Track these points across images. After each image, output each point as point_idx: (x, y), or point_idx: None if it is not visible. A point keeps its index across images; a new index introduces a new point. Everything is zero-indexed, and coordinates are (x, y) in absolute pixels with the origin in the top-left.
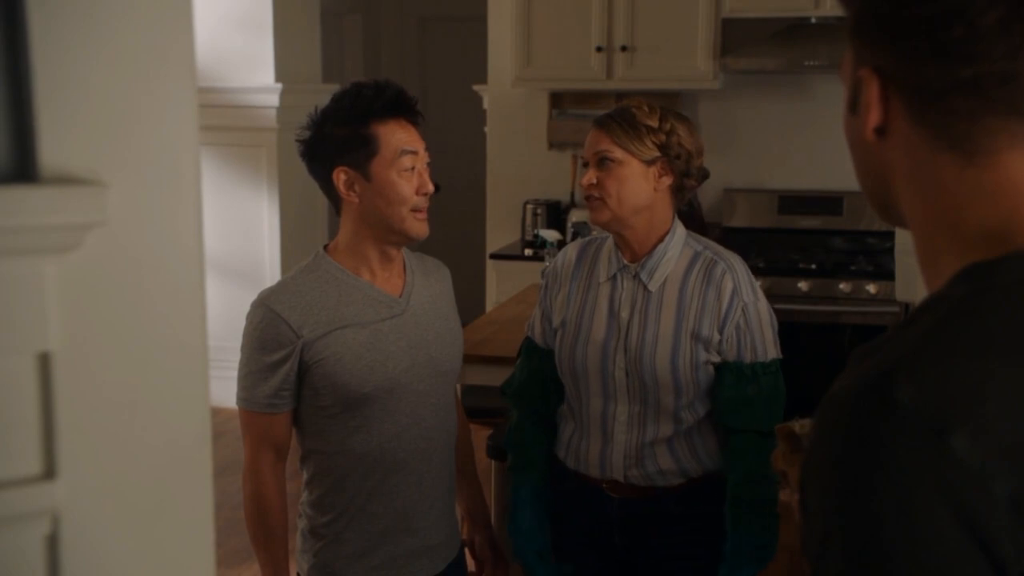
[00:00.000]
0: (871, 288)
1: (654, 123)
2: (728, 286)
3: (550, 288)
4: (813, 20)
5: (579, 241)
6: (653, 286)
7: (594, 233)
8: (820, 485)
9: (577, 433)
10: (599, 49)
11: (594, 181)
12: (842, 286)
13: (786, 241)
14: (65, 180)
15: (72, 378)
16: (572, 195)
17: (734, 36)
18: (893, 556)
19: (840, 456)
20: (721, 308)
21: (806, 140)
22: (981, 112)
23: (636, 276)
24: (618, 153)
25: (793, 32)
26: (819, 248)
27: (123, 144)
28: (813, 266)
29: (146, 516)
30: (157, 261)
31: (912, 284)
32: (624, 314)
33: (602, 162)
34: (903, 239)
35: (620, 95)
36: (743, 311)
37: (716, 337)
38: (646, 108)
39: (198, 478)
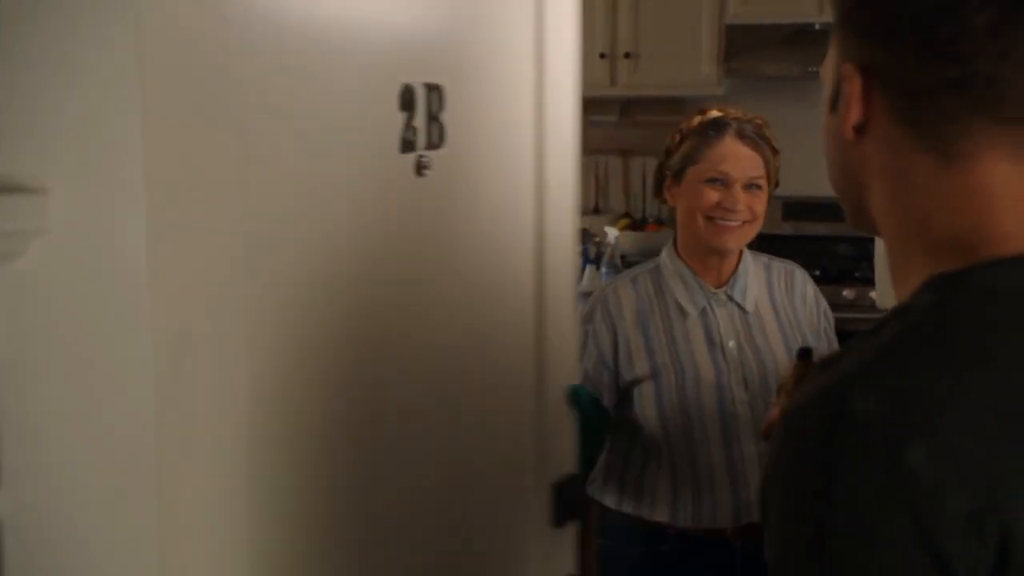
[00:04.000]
0: (875, 295)
1: (777, 146)
2: (810, 292)
3: (606, 333)
4: (817, 26)
5: (625, 277)
6: (749, 306)
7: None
8: (778, 495)
9: (687, 490)
10: (602, 56)
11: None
12: (846, 292)
13: (790, 247)
14: (8, 187)
15: (15, 388)
16: (596, 202)
17: (738, 42)
18: (847, 570)
19: (797, 467)
20: (812, 316)
21: (810, 146)
22: (964, 114)
23: (730, 299)
24: (764, 179)
25: (797, 38)
26: (824, 254)
27: (67, 152)
28: (817, 272)
29: (92, 526)
30: (101, 269)
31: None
32: (731, 344)
33: (751, 187)
34: (881, 245)
35: (626, 101)
36: (826, 315)
37: (818, 346)
38: (767, 127)
39: (144, 488)
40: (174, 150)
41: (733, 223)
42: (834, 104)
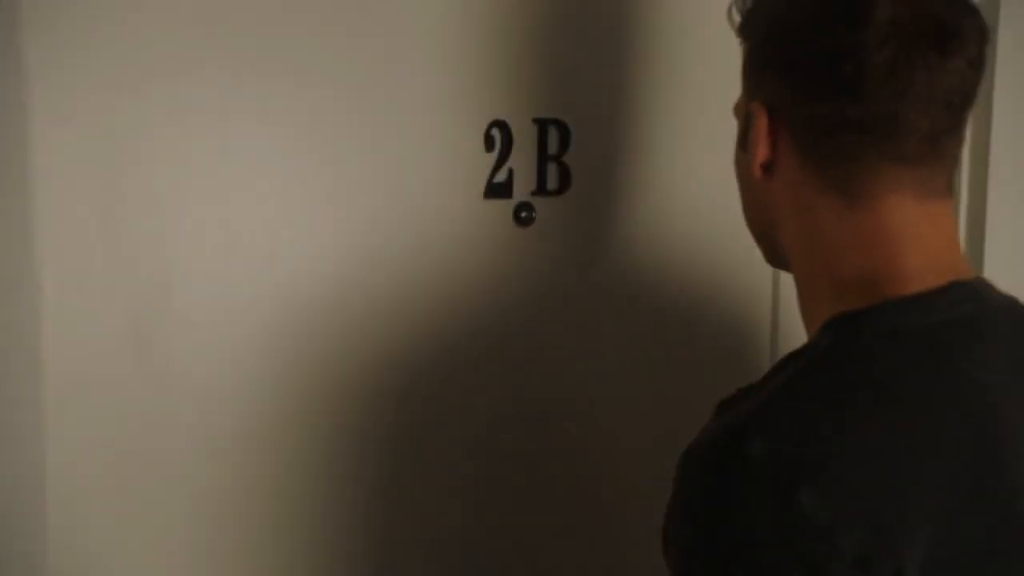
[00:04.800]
0: None
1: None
2: None
3: None
4: None
5: None
6: None
7: None
8: (676, 532)
9: None
10: None
11: None
12: None
13: None
14: None
15: None
16: None
17: None
18: None
19: (693, 509)
20: None
21: None
22: (867, 153)
23: None
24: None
25: None
26: None
27: None
28: None
29: None
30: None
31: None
32: None
33: None
34: None
35: None
36: None
37: None
38: None
39: (33, 529)
40: None
41: None
42: (743, 142)
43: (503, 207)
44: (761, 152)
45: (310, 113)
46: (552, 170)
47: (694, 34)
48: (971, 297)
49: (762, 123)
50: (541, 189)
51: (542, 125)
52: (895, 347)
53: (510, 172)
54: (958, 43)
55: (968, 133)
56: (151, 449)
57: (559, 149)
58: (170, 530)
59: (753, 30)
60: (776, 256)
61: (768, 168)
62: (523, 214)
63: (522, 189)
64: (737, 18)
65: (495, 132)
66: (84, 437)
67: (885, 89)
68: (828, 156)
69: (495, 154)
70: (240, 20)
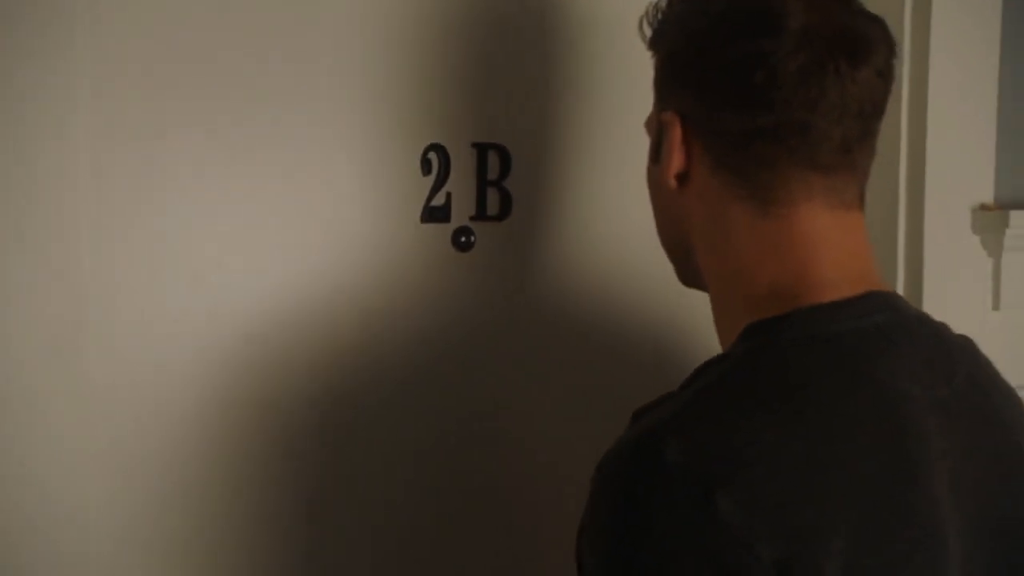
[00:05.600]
0: None
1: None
2: None
3: None
4: None
5: None
6: None
7: None
8: (591, 547)
9: None
10: None
11: None
12: None
13: None
14: None
15: None
16: None
17: None
18: None
19: (609, 518)
20: None
21: None
22: (780, 161)
23: None
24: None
25: None
26: None
27: None
28: None
29: None
30: None
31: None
32: None
33: None
34: None
35: None
36: None
37: None
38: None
39: None
40: None
41: None
42: (656, 154)
43: (441, 231)
44: (676, 161)
45: (244, 134)
46: (492, 195)
47: (635, 60)
48: (886, 306)
49: (676, 132)
50: (481, 214)
51: (481, 149)
52: (810, 353)
53: (448, 196)
54: (868, 52)
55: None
56: (71, 461)
57: (500, 174)
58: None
59: (663, 43)
60: (688, 272)
61: (682, 178)
62: (462, 239)
63: (461, 214)
64: (648, 31)
65: (432, 156)
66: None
67: (797, 98)
68: (741, 165)
69: (432, 178)
70: (178, 38)
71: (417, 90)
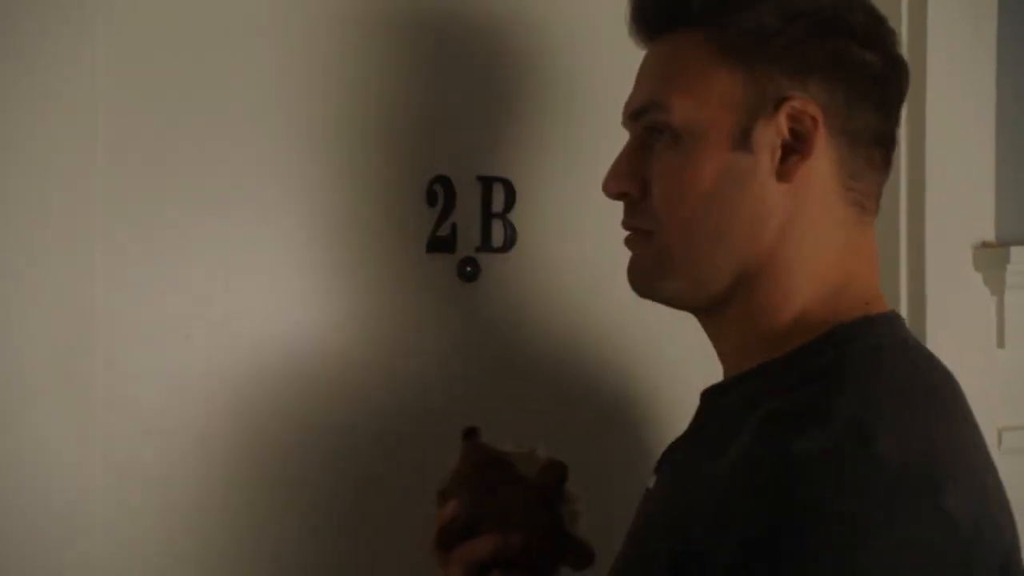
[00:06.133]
0: None
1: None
2: None
3: None
4: None
5: None
6: None
7: None
8: (798, 552)
9: None
10: None
11: None
12: None
13: None
14: None
15: None
16: None
17: None
18: None
19: (834, 519)
20: None
21: None
22: (882, 170)
23: None
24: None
25: None
26: None
27: None
28: None
29: None
30: None
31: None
32: None
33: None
34: None
35: None
36: None
37: None
38: None
39: None
40: None
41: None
42: (744, 141)
43: (447, 261)
44: (808, 154)
45: (251, 161)
46: (497, 227)
47: None
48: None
49: (819, 123)
50: (486, 245)
51: (486, 182)
52: (917, 358)
53: (453, 227)
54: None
55: None
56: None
57: (505, 207)
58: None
59: (782, 20)
60: (712, 276)
61: (785, 174)
62: (467, 269)
63: (466, 245)
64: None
65: (437, 187)
66: None
67: (898, 111)
68: (858, 167)
69: (438, 209)
70: (191, 70)
71: (423, 123)
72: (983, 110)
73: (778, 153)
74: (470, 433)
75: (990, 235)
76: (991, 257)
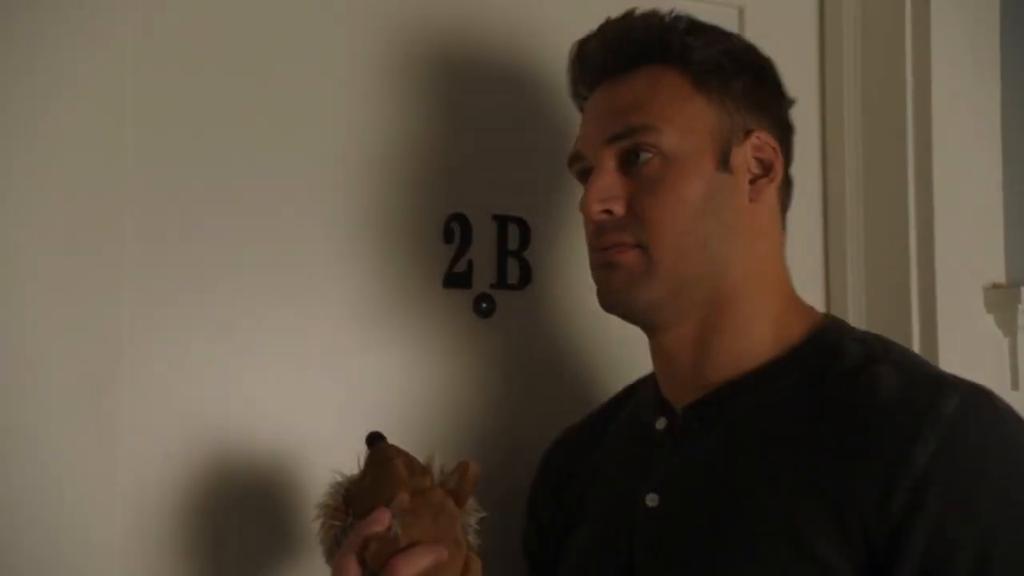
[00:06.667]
0: None
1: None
2: None
3: None
4: None
5: None
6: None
7: None
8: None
9: None
10: None
11: None
12: None
13: None
14: None
15: None
16: None
17: None
18: None
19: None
20: None
21: None
22: (789, 202)
23: None
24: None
25: None
26: None
27: None
28: None
29: None
30: None
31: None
32: None
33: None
34: None
35: None
36: None
37: None
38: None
39: None
40: None
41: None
42: (725, 163)
43: (463, 297)
44: (774, 179)
45: (276, 200)
46: (512, 265)
47: None
48: None
49: (778, 153)
50: (501, 282)
51: (502, 221)
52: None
53: (469, 263)
54: None
55: None
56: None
57: (520, 245)
58: None
59: (737, 66)
60: (696, 293)
61: (755, 195)
62: (483, 305)
63: (482, 281)
64: (701, 50)
65: (454, 225)
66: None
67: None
68: (788, 192)
69: (455, 245)
70: (216, 106)
71: (442, 164)
72: (990, 151)
73: (748, 176)
74: (376, 438)
75: (1000, 276)
76: (1002, 298)
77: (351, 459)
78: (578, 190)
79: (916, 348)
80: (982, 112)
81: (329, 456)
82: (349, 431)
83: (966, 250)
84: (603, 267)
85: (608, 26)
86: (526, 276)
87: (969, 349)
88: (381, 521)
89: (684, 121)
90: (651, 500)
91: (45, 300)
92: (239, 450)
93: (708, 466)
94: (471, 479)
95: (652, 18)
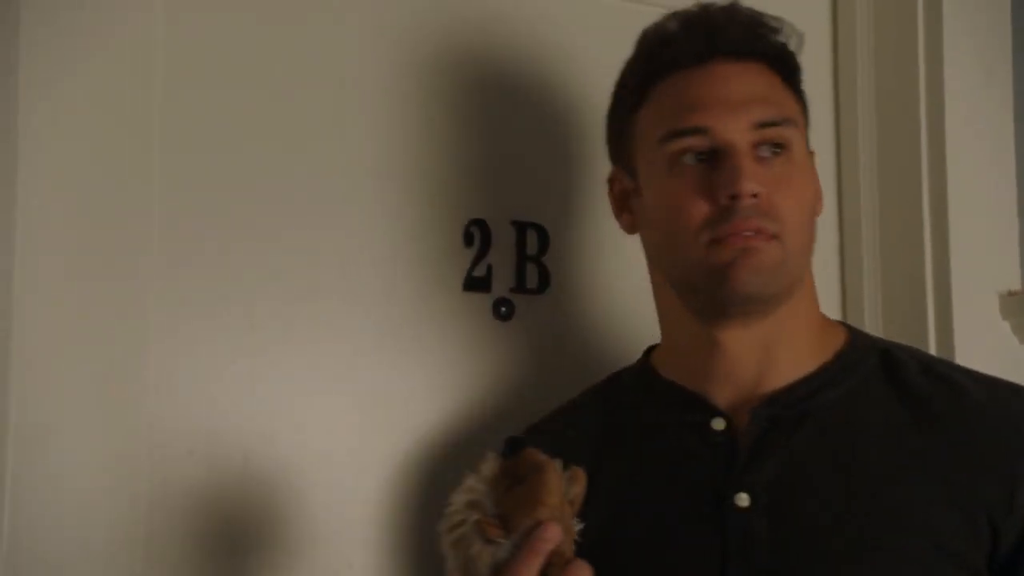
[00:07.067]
0: None
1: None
2: None
3: None
4: None
5: None
6: None
7: None
8: None
9: None
10: None
11: None
12: None
13: None
14: None
15: None
16: None
17: None
18: None
19: None
20: None
21: None
22: None
23: None
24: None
25: None
26: None
27: None
28: None
29: None
30: None
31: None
32: None
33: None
34: None
35: None
36: None
37: None
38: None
39: None
40: None
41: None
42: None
43: (482, 300)
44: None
45: (301, 203)
46: (531, 270)
47: None
48: None
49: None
50: (520, 287)
51: (520, 227)
52: None
53: (489, 268)
54: None
55: None
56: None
57: (539, 250)
58: None
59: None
60: (799, 278)
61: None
62: (503, 309)
63: (501, 285)
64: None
65: (474, 230)
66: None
67: None
68: None
69: (474, 250)
70: (240, 124)
71: (463, 170)
72: (1003, 158)
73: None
74: (520, 442)
75: (1016, 283)
76: (1018, 305)
77: (372, 459)
78: (594, 198)
79: (932, 354)
80: (995, 119)
81: (350, 455)
82: (369, 431)
83: (981, 257)
84: (741, 251)
85: (730, 7)
86: (544, 280)
87: (985, 356)
88: (555, 536)
89: (800, 120)
90: (741, 500)
91: (73, 301)
92: (262, 448)
93: (813, 463)
94: (584, 487)
95: (752, 12)
